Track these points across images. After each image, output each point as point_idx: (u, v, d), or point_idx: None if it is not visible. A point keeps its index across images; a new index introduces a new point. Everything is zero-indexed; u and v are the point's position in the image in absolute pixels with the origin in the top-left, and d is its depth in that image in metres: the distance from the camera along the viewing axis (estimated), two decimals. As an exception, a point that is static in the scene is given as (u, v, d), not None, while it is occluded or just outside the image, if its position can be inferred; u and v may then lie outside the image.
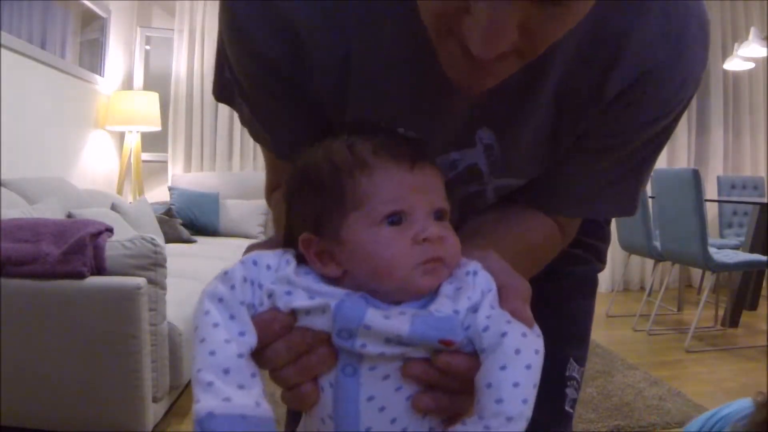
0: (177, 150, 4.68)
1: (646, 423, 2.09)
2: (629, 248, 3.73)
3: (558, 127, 0.59)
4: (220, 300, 0.46)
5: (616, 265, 4.56)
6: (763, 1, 4.74)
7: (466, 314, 0.45)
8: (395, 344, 0.44)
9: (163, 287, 1.87)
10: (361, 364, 0.45)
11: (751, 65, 4.37)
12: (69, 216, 2.68)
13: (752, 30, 4.00)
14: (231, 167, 4.75)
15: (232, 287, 0.46)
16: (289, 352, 0.46)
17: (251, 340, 0.45)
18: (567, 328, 0.78)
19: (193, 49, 4.67)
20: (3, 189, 2.48)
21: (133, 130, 4.23)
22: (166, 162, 4.71)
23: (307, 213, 0.49)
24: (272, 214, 0.70)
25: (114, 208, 3.20)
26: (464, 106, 0.58)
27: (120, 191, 4.18)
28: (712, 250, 3.06)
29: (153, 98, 4.26)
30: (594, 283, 0.86)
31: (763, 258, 3.13)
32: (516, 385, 0.42)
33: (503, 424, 0.41)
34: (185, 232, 3.87)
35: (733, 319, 3.45)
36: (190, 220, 4.09)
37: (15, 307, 1.73)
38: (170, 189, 4.32)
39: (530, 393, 0.43)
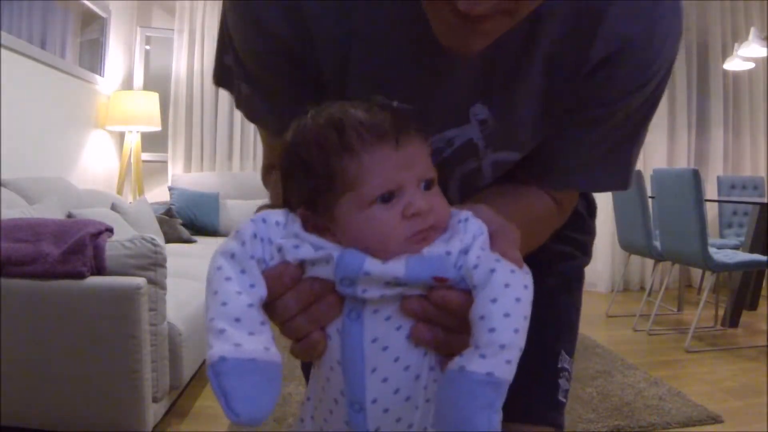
0: (177, 150, 4.68)
1: (646, 423, 2.09)
2: (629, 248, 3.73)
3: (548, 97, 0.62)
4: (232, 256, 0.50)
5: (616, 265, 4.56)
6: (763, 1, 4.73)
7: (458, 255, 0.48)
8: (394, 286, 0.48)
9: (163, 287, 1.87)
10: (364, 309, 0.49)
11: (751, 65, 4.37)
12: (69, 216, 2.68)
13: (752, 30, 4.00)
14: (231, 167, 4.75)
15: (243, 243, 0.50)
16: (298, 303, 0.49)
17: (261, 291, 0.49)
18: (557, 322, 0.82)
19: (193, 49, 4.67)
20: (3, 189, 2.48)
21: (133, 130, 4.23)
22: (166, 162, 4.71)
23: (301, 191, 0.52)
24: (269, 193, 0.72)
25: (114, 208, 3.20)
26: (458, 83, 0.61)
27: (120, 191, 4.18)
28: (712, 250, 3.06)
29: (153, 98, 4.26)
30: (580, 277, 0.89)
31: (763, 258, 3.13)
32: (507, 315, 0.45)
33: (497, 352, 0.44)
34: (185, 232, 3.87)
35: (733, 319, 3.44)
36: (190, 220, 4.09)
37: (15, 307, 1.73)
38: (170, 189, 4.32)
39: (521, 324, 0.45)
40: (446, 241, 0.49)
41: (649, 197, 3.56)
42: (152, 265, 1.82)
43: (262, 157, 0.77)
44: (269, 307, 0.49)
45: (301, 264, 0.50)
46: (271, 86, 0.65)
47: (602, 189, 0.74)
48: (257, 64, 0.64)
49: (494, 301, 0.46)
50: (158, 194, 4.65)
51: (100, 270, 1.77)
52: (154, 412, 1.84)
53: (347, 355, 0.49)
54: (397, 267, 0.47)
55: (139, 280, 1.77)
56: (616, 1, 0.59)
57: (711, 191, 4.58)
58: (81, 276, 1.73)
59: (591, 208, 0.90)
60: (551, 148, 0.67)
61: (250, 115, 0.71)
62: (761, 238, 3.38)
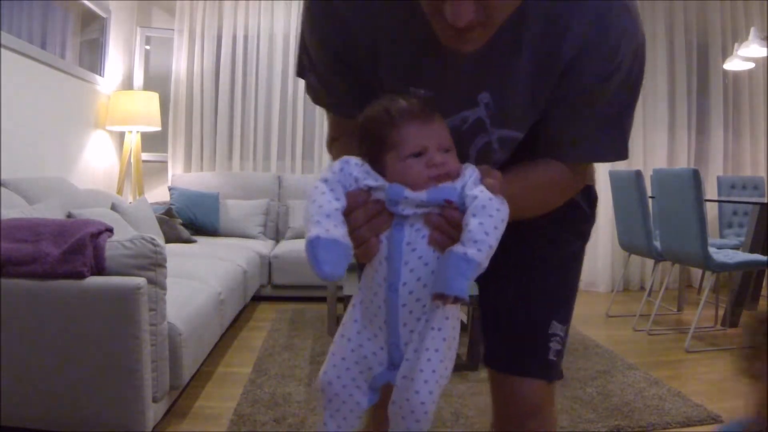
0: (177, 150, 4.68)
1: (646, 423, 2.09)
2: (629, 248, 3.73)
3: (536, 85, 0.83)
4: (326, 180, 0.77)
5: (616, 265, 4.56)
6: (763, 1, 4.73)
7: (460, 189, 0.76)
8: (421, 207, 0.76)
9: (163, 287, 1.87)
10: (404, 222, 0.77)
11: (751, 65, 4.37)
12: (69, 216, 2.68)
13: (752, 30, 4.00)
14: (231, 167, 4.76)
15: (334, 172, 0.78)
16: (365, 216, 0.77)
17: (343, 203, 0.76)
18: (548, 296, 1.01)
19: (193, 49, 4.67)
20: (3, 189, 2.48)
21: (133, 130, 4.23)
22: (166, 162, 4.71)
23: (366, 150, 0.81)
24: (331, 158, 0.96)
25: (114, 208, 3.20)
26: (466, 75, 0.83)
27: (120, 191, 4.18)
28: (712, 250, 3.06)
29: (153, 98, 4.26)
30: (578, 259, 1.07)
31: (763, 258, 3.13)
32: (480, 224, 0.72)
33: (471, 246, 0.71)
34: (185, 232, 3.87)
35: (733, 319, 3.44)
36: (190, 220, 4.09)
37: (15, 307, 1.73)
38: (170, 189, 4.32)
39: (491, 230, 0.72)
40: (454, 181, 0.77)
41: (649, 197, 3.56)
42: (152, 265, 1.82)
43: (327, 130, 1.06)
44: (346, 217, 0.76)
45: (368, 189, 0.78)
46: (330, 79, 0.91)
47: (603, 158, 0.91)
48: (320, 62, 0.90)
49: (473, 215, 0.73)
50: (158, 194, 4.65)
51: (100, 270, 1.77)
52: (154, 412, 1.84)
53: (391, 253, 0.78)
54: (422, 194, 0.76)
55: (139, 280, 1.76)
56: (577, 7, 0.78)
57: (711, 191, 4.58)
58: (81, 276, 1.73)
59: (591, 200, 1.06)
60: (554, 127, 0.87)
61: (315, 99, 0.98)
62: (761, 238, 3.38)
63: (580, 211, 1.04)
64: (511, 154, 0.91)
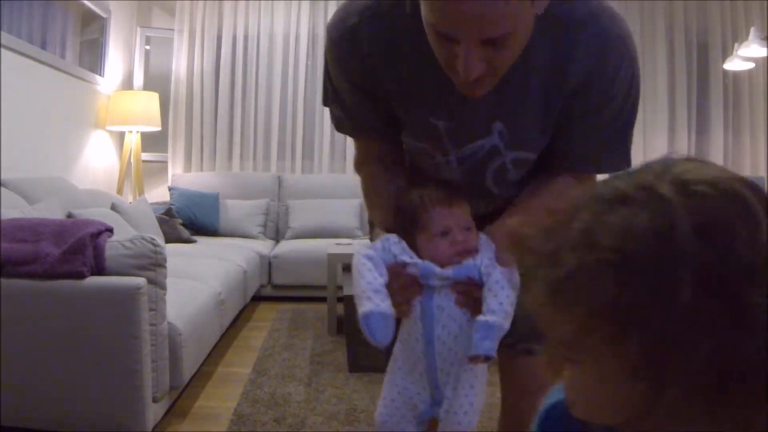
0: (177, 150, 4.68)
1: (646, 423, 2.09)
2: (629, 248, 3.73)
3: (545, 111, 0.94)
4: (371, 258, 0.93)
5: (616, 265, 4.56)
6: (763, 1, 4.74)
7: (480, 265, 0.93)
8: (447, 279, 0.94)
9: (163, 287, 1.87)
10: (434, 291, 0.95)
11: (751, 65, 4.37)
12: (69, 216, 2.68)
13: (752, 30, 4.00)
14: (231, 167, 4.76)
15: (376, 250, 0.95)
16: (399, 285, 0.94)
17: (386, 278, 0.93)
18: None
19: (193, 49, 4.67)
20: (3, 189, 2.48)
21: (133, 130, 4.23)
22: (166, 162, 4.71)
23: (401, 227, 0.98)
24: (361, 182, 1.12)
25: (114, 208, 3.20)
26: (482, 111, 0.94)
27: (120, 191, 4.18)
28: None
29: (153, 98, 4.26)
30: None
31: (763, 258, 3.13)
32: (495, 296, 0.90)
33: (491, 315, 0.89)
34: (185, 232, 3.87)
35: (733, 319, 3.45)
36: (190, 220, 4.09)
37: (15, 307, 1.73)
38: (170, 189, 4.32)
39: (505, 300, 0.89)
40: (475, 257, 0.94)
41: (649, 197, 3.56)
42: (152, 265, 1.82)
43: (355, 153, 1.15)
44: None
45: (404, 264, 0.95)
46: (353, 107, 1.03)
47: (609, 170, 0.98)
48: (342, 91, 1.02)
49: (489, 290, 0.91)
50: (158, 194, 4.65)
51: (100, 270, 1.77)
52: (154, 412, 1.84)
53: (425, 315, 0.95)
54: (448, 271, 0.94)
55: (139, 280, 1.77)
56: (579, 38, 0.88)
57: (711, 191, 4.58)
58: (81, 276, 1.73)
59: None
60: (566, 146, 0.98)
61: (338, 128, 1.10)
62: (761, 238, 3.38)
63: None
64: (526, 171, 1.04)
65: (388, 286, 0.92)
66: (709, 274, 0.39)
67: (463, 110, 0.94)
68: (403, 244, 0.95)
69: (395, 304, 0.91)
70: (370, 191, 1.10)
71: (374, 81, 0.96)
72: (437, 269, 0.93)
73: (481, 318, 0.89)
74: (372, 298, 0.89)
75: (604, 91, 0.91)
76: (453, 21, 0.74)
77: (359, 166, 1.13)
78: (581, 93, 0.91)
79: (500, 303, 0.89)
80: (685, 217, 0.40)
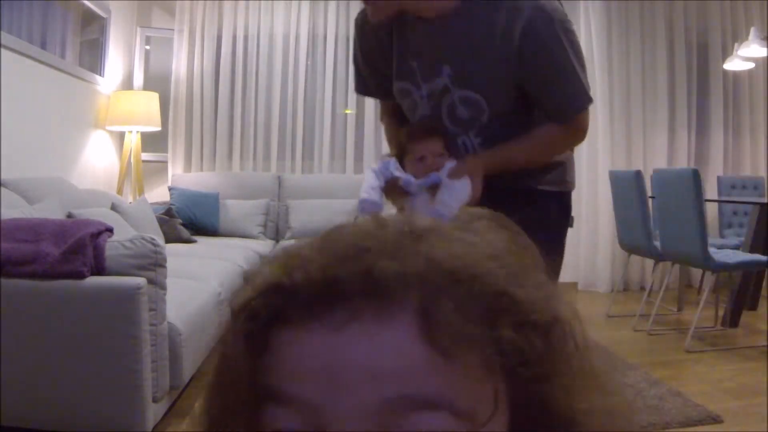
0: (177, 150, 4.68)
1: (646, 423, 2.09)
2: (629, 248, 3.73)
3: (492, 65, 1.25)
4: (374, 170, 1.31)
5: (616, 265, 4.56)
6: (763, 1, 4.74)
7: (442, 176, 1.29)
8: (421, 187, 1.30)
9: (163, 287, 1.87)
10: (415, 197, 1.31)
11: (751, 65, 4.37)
12: (69, 216, 2.68)
13: (752, 30, 4.00)
14: (231, 167, 4.75)
15: (380, 167, 1.32)
16: (389, 188, 1.31)
17: (381, 183, 1.30)
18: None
19: (193, 49, 4.67)
20: (3, 189, 2.48)
21: (133, 130, 4.23)
22: (166, 162, 4.71)
23: (397, 150, 1.37)
24: (384, 131, 1.60)
25: (114, 208, 3.20)
26: (435, 53, 1.29)
27: (120, 191, 4.18)
28: (712, 250, 3.06)
29: (153, 98, 4.26)
30: (562, 233, 1.44)
31: (763, 258, 3.13)
32: (447, 196, 1.25)
33: (440, 204, 1.25)
34: (185, 232, 3.87)
35: (733, 319, 3.44)
36: (190, 220, 4.08)
37: (15, 307, 1.73)
38: (170, 189, 4.31)
39: (451, 199, 1.24)
40: (440, 172, 1.29)
41: (649, 197, 3.56)
42: (152, 265, 1.82)
43: (381, 108, 1.60)
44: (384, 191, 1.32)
45: (396, 177, 1.30)
46: (366, 74, 1.47)
47: (576, 107, 1.28)
48: (359, 63, 1.47)
49: (440, 192, 1.27)
50: (158, 194, 4.65)
51: (100, 270, 1.77)
52: (154, 412, 1.84)
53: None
54: (420, 181, 1.29)
55: (139, 280, 1.76)
56: (514, 7, 1.19)
57: (711, 191, 4.57)
58: (81, 276, 1.73)
59: (563, 214, 1.44)
60: (539, 103, 1.31)
61: (357, 89, 1.54)
62: (761, 238, 3.38)
63: (559, 196, 1.42)
64: (490, 134, 1.33)
65: (384, 189, 1.31)
66: None
67: (423, 52, 1.31)
68: (398, 164, 1.33)
69: (389, 196, 1.32)
70: (386, 133, 1.59)
71: (374, 55, 1.41)
72: (413, 180, 1.30)
73: (433, 207, 1.25)
74: (369, 191, 1.29)
75: (542, 47, 1.21)
76: None
77: (381, 116, 1.62)
78: (528, 56, 1.21)
79: (447, 196, 1.25)
80: None
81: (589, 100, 1.29)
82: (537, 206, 1.36)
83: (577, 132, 1.34)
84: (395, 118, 1.50)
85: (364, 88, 1.51)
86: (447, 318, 0.31)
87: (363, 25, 1.38)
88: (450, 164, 1.28)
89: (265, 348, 0.33)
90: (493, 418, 0.32)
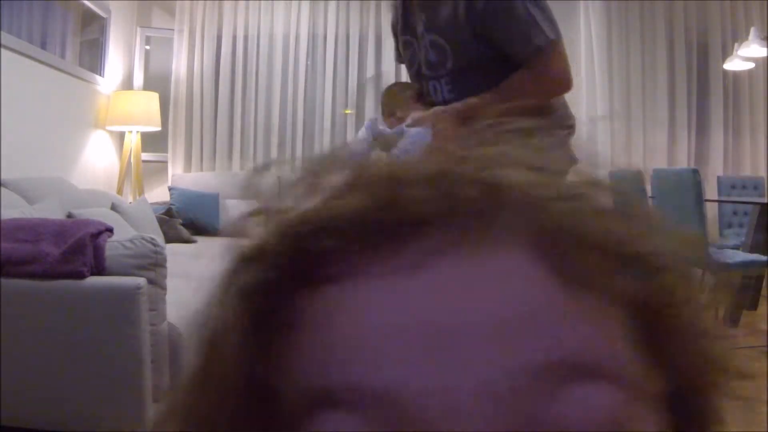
0: (177, 150, 4.67)
1: (646, 423, 2.09)
2: (629, 248, 3.72)
3: (456, 18, 1.42)
4: (366, 126, 1.53)
5: (616, 265, 4.55)
6: (763, 1, 4.74)
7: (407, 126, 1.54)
8: (394, 136, 1.51)
9: (163, 287, 1.87)
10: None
11: (751, 65, 4.37)
12: (69, 216, 2.68)
13: (752, 30, 4.00)
14: (231, 167, 4.75)
15: (369, 122, 1.53)
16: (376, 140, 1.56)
17: (369, 137, 1.49)
18: None
19: (193, 49, 4.67)
20: (3, 189, 2.48)
21: (133, 130, 4.23)
22: (166, 162, 4.71)
23: (384, 111, 1.73)
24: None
25: (114, 208, 3.20)
26: (418, 8, 1.52)
27: (120, 191, 4.18)
28: (711, 250, 3.06)
29: (153, 98, 4.26)
30: None
31: (763, 258, 3.13)
32: (404, 144, 1.42)
33: (401, 152, 1.44)
34: (185, 232, 3.86)
35: (733, 319, 3.44)
36: (190, 220, 4.08)
37: (15, 307, 1.73)
38: (170, 189, 4.31)
39: (409, 145, 1.39)
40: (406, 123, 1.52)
41: (649, 197, 3.56)
42: (152, 265, 1.82)
43: None
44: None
45: (380, 130, 1.53)
46: (397, 40, 1.68)
47: (532, 48, 1.39)
48: (394, 28, 1.69)
49: (404, 141, 1.43)
50: (158, 194, 4.65)
51: (100, 270, 1.77)
52: (154, 412, 1.84)
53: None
54: (392, 131, 1.51)
55: (139, 280, 1.76)
56: None
57: (711, 191, 4.57)
58: (81, 276, 1.73)
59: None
60: (507, 53, 1.44)
61: (396, 59, 1.78)
62: (761, 238, 3.38)
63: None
64: (458, 81, 1.50)
65: (371, 143, 1.48)
66: None
67: (414, 10, 1.56)
68: (382, 121, 1.63)
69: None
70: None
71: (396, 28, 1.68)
72: (387, 130, 1.50)
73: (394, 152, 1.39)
74: (359, 139, 1.59)
75: (497, 4, 1.39)
76: None
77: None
78: (487, 13, 1.39)
79: (406, 142, 1.40)
80: None
81: (547, 39, 1.39)
82: None
83: (546, 77, 1.43)
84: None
85: (398, 56, 1.74)
86: (577, 246, 0.20)
87: (393, 11, 1.69)
88: (415, 115, 1.47)
89: (289, 324, 0.22)
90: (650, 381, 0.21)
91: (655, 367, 0.22)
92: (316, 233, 0.21)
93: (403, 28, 1.62)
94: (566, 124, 1.51)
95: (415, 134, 1.37)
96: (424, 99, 1.56)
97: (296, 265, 0.21)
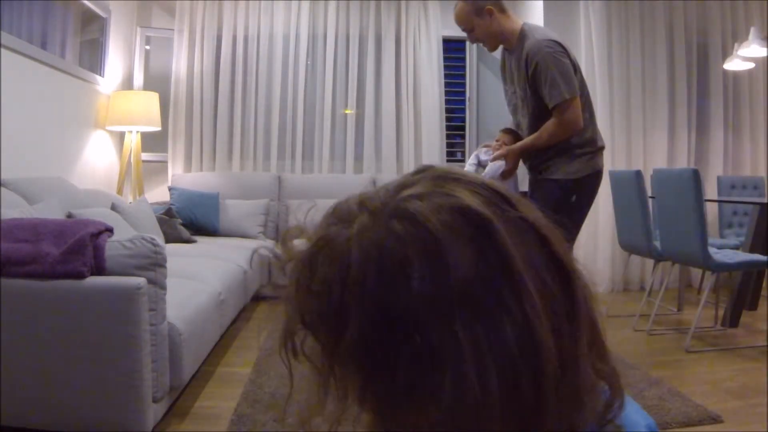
0: (177, 150, 4.68)
1: (646, 423, 2.08)
2: (629, 248, 3.73)
3: (522, 77, 2.31)
4: (474, 154, 2.61)
5: (616, 265, 4.56)
6: (763, 1, 4.73)
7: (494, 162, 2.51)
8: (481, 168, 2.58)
9: (163, 287, 1.87)
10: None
11: (751, 65, 4.37)
12: (69, 216, 2.68)
13: (752, 30, 4.00)
14: (231, 167, 4.75)
15: (476, 152, 2.60)
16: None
17: (476, 162, 2.61)
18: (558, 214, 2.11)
19: (193, 49, 4.67)
20: (3, 189, 2.48)
21: (133, 130, 4.23)
22: (166, 162, 4.71)
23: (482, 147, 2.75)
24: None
25: (114, 208, 3.20)
26: (508, 70, 2.45)
27: (120, 191, 4.18)
28: (712, 250, 3.06)
29: (153, 98, 4.26)
30: (568, 195, 2.33)
31: (763, 258, 3.13)
32: (485, 173, 2.36)
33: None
34: (185, 232, 3.87)
35: (733, 319, 3.44)
36: (190, 220, 4.08)
37: (15, 307, 1.73)
38: (170, 189, 4.32)
39: (487, 176, 1.97)
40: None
41: (649, 197, 3.56)
42: (152, 265, 1.82)
43: None
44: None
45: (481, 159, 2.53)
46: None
47: (552, 101, 2.17)
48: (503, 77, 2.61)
49: (485, 172, 2.37)
50: (158, 194, 4.65)
51: (100, 270, 1.77)
52: (154, 412, 1.84)
53: None
54: (488, 161, 2.44)
55: (139, 280, 1.76)
56: (528, 44, 2.23)
57: (711, 191, 4.57)
58: (81, 276, 1.73)
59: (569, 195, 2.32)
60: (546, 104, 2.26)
61: (507, 102, 2.55)
62: (761, 238, 3.38)
63: (555, 182, 2.32)
64: (534, 118, 2.31)
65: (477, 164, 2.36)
66: (378, 311, 0.39)
67: (506, 69, 2.44)
68: (487, 151, 2.32)
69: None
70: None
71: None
72: (485, 159, 2.22)
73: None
74: (469, 164, 2.37)
75: (532, 65, 2.20)
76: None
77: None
78: (527, 69, 2.22)
79: (485, 173, 2.06)
80: (356, 255, 0.40)
81: (562, 96, 2.15)
82: (542, 185, 2.36)
83: (563, 123, 2.21)
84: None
85: (507, 99, 2.49)
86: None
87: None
88: (496, 153, 2.32)
89: None
90: None
91: None
92: None
93: (503, 78, 2.45)
94: (597, 145, 2.33)
95: (492, 168, 2.27)
96: (515, 134, 2.45)
97: None
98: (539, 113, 2.24)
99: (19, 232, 1.78)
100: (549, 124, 2.20)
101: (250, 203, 4.40)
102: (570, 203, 2.26)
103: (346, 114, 4.91)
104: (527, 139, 2.29)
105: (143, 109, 4.14)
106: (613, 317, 3.75)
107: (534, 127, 2.27)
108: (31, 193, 2.65)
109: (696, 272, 4.71)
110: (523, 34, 2.27)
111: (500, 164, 2.27)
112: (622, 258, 4.24)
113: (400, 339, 0.38)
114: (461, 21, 2.31)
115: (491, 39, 2.33)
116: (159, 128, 4.34)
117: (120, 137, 4.42)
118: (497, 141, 2.39)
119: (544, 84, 2.14)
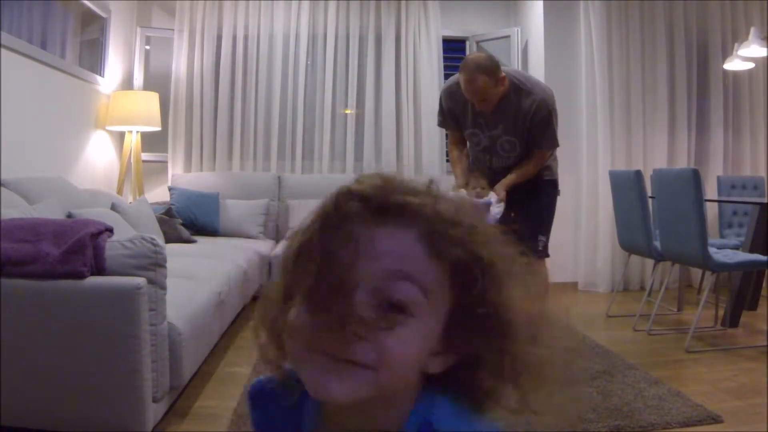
0: (177, 150, 4.68)
1: (646, 423, 2.09)
2: (629, 248, 3.73)
3: (517, 126, 2.64)
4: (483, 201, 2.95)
5: (616, 265, 4.56)
6: (763, 1, 4.73)
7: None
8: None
9: (163, 287, 1.87)
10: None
11: (751, 65, 4.37)
12: (69, 216, 2.68)
13: (752, 30, 4.00)
14: (231, 167, 4.75)
15: (484, 200, 2.78)
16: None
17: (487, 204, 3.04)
18: (539, 216, 2.77)
19: (193, 49, 4.67)
20: (3, 189, 2.48)
21: (133, 130, 4.23)
22: (166, 162, 4.71)
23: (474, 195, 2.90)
24: (451, 159, 2.90)
25: (114, 208, 3.20)
26: (495, 119, 2.65)
27: (120, 191, 4.18)
28: (712, 250, 3.06)
29: (153, 98, 4.26)
30: (553, 202, 2.85)
31: (763, 258, 3.13)
32: (492, 215, 2.59)
33: (489, 220, 2.11)
34: (185, 232, 3.86)
35: (733, 319, 3.44)
36: (190, 220, 4.08)
37: (15, 307, 1.73)
38: (170, 189, 4.32)
39: (494, 216, 2.56)
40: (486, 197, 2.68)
41: (649, 197, 3.56)
42: (152, 265, 1.82)
43: (449, 139, 2.95)
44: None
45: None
46: (448, 120, 2.84)
47: (548, 147, 2.70)
48: (444, 113, 2.84)
49: (491, 211, 2.59)
50: (158, 194, 4.65)
51: (100, 270, 1.77)
52: (154, 412, 1.84)
53: None
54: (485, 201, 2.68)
55: (139, 280, 1.76)
56: (526, 97, 2.58)
57: (711, 191, 4.57)
58: (81, 276, 1.73)
59: (555, 180, 2.84)
60: (532, 143, 2.67)
61: (440, 124, 2.91)
62: (761, 238, 3.38)
63: (552, 182, 2.81)
64: (518, 157, 2.72)
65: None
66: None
67: (487, 118, 2.64)
68: (493, 197, 2.57)
69: None
70: (452, 162, 2.86)
71: (453, 112, 2.76)
72: (483, 201, 2.46)
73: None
74: (496, 208, 2.59)
75: (538, 117, 2.56)
76: (467, 93, 2.56)
77: (449, 146, 2.91)
78: (533, 121, 2.57)
79: (493, 214, 2.40)
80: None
81: (551, 146, 2.69)
82: (541, 185, 2.77)
83: (541, 163, 2.70)
84: (461, 145, 2.87)
85: (443, 124, 2.86)
86: (439, 239, 0.49)
87: (454, 92, 2.68)
88: (494, 197, 2.59)
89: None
90: (439, 305, 0.50)
91: (447, 292, 0.50)
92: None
93: (472, 123, 2.71)
94: (553, 172, 2.81)
95: (497, 210, 2.57)
96: (473, 169, 2.82)
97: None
98: (525, 153, 2.69)
99: (19, 232, 1.78)
100: (531, 166, 2.68)
101: (250, 203, 4.40)
102: (556, 194, 2.86)
103: (346, 114, 4.91)
104: (513, 179, 2.67)
105: (143, 109, 4.14)
106: (613, 317, 3.75)
107: (515, 164, 2.70)
108: (31, 193, 2.65)
109: (696, 272, 4.71)
110: (515, 86, 2.58)
111: (501, 207, 2.60)
112: (622, 258, 4.24)
113: None
114: (484, 93, 2.51)
115: (496, 100, 2.61)
116: (159, 128, 4.34)
117: (120, 137, 4.42)
118: (481, 188, 2.66)
119: (543, 132, 2.60)
